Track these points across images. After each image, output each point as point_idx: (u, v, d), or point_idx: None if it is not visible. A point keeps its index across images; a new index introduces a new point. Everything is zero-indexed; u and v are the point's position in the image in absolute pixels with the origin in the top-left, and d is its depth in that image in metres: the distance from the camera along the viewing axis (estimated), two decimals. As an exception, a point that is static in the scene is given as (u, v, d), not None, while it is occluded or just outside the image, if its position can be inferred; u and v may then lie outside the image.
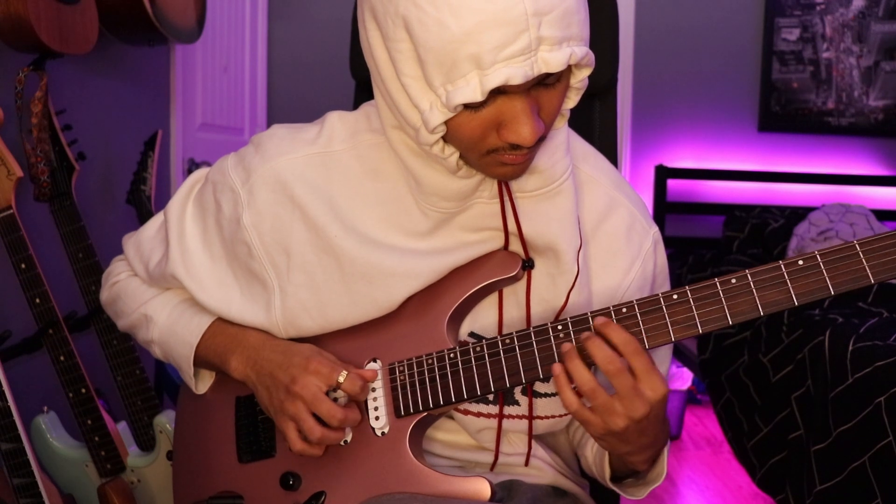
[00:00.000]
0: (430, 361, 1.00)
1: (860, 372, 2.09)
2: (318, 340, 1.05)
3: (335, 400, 1.00)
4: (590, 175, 1.06)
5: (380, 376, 1.03)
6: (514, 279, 1.02)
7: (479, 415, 1.04)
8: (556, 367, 0.91)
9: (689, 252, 3.71)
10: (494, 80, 0.81)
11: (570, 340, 0.93)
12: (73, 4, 1.80)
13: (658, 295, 0.92)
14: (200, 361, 1.11)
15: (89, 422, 1.72)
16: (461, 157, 0.93)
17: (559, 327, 0.94)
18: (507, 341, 0.97)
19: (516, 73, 0.81)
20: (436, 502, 0.95)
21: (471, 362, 0.98)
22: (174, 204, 1.14)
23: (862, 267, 0.87)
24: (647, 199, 3.87)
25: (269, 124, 3.59)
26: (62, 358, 1.71)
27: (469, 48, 0.80)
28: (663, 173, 3.84)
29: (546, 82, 0.86)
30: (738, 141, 3.97)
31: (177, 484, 1.18)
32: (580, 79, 0.90)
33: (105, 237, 2.05)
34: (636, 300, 0.93)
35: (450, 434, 1.08)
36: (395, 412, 1.01)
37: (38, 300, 1.67)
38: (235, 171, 1.07)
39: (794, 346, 2.46)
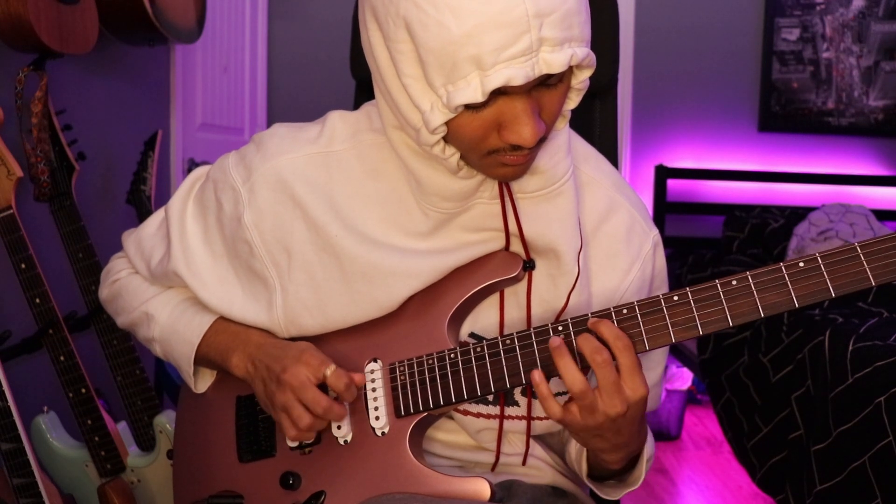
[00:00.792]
0: (430, 361, 1.00)
1: (860, 372, 2.09)
2: (319, 340, 1.05)
3: (335, 399, 1.00)
4: (591, 176, 1.06)
5: (380, 376, 1.03)
6: (515, 280, 1.02)
7: (478, 415, 1.05)
8: (536, 375, 0.91)
9: (689, 252, 3.71)
10: (495, 81, 0.81)
11: (571, 341, 0.93)
12: (73, 4, 1.79)
13: (659, 296, 0.92)
14: (202, 360, 1.11)
15: (89, 422, 1.72)
16: (462, 157, 0.93)
17: (559, 328, 0.94)
18: (508, 342, 0.97)
19: (517, 74, 0.81)
20: (436, 502, 0.95)
21: (471, 363, 0.98)
22: (175, 202, 1.14)
23: (863, 269, 0.87)
24: (647, 198, 3.87)
25: (269, 124, 3.59)
26: (62, 358, 1.71)
27: (470, 49, 0.80)
28: (663, 173, 3.84)
29: (547, 83, 0.86)
30: (737, 141, 3.97)
31: (177, 483, 1.19)
32: (581, 80, 0.90)
33: (105, 237, 2.05)
34: (637, 301, 0.93)
35: (450, 434, 1.08)
36: (396, 412, 1.01)
37: (38, 300, 1.67)
38: (236, 169, 1.07)
39: (794, 346, 2.46)
